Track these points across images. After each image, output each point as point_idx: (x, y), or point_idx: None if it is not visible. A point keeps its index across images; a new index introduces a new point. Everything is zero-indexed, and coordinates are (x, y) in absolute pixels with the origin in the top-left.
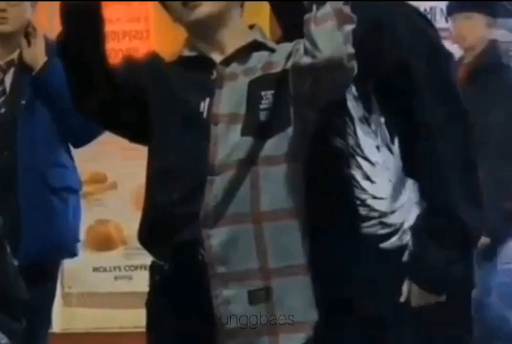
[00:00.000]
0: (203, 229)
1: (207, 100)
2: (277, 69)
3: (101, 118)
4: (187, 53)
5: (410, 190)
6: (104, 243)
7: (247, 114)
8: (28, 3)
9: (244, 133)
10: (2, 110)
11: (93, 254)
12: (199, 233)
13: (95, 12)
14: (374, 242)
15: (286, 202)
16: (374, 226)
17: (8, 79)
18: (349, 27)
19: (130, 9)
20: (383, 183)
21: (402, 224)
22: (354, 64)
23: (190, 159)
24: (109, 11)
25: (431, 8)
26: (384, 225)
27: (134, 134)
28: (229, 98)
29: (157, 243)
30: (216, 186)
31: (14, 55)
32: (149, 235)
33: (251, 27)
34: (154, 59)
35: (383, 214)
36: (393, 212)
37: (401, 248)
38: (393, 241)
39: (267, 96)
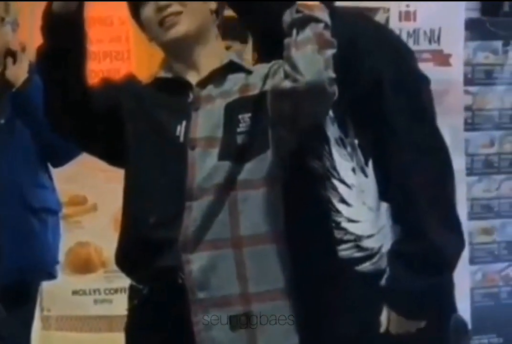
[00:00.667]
0: (183, 254)
1: (184, 123)
2: (254, 91)
3: (76, 137)
4: (163, 74)
5: (386, 215)
6: (84, 265)
7: (224, 138)
8: (8, 27)
9: (221, 157)
10: None
11: (73, 276)
12: (179, 258)
13: (78, 24)
14: (350, 265)
15: (265, 226)
16: (350, 249)
17: None
18: (330, 52)
19: (111, 30)
20: (359, 206)
21: (379, 248)
22: (335, 88)
23: (167, 183)
24: (90, 32)
25: (414, 30)
26: (360, 248)
27: (112, 156)
28: (205, 122)
29: (135, 267)
30: (195, 211)
31: None
32: (127, 259)
33: (228, 48)
34: (130, 81)
35: (359, 238)
36: (369, 236)
37: (379, 272)
38: (368, 265)
39: (245, 119)
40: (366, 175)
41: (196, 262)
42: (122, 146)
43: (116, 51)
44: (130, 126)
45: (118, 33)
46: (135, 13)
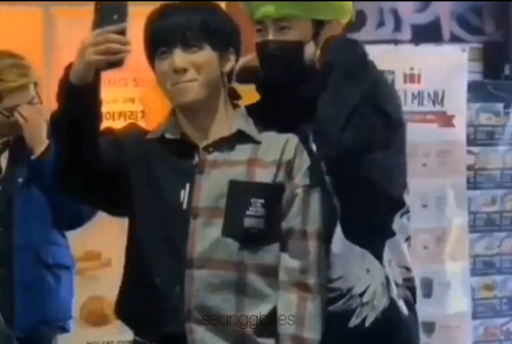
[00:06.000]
0: (186, 322)
1: (187, 186)
2: (263, 170)
3: (82, 193)
4: (169, 135)
5: (356, 258)
6: (98, 319)
7: (229, 215)
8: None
9: (226, 234)
10: None
11: (87, 329)
12: (182, 326)
13: (94, 95)
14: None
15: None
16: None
17: (4, 159)
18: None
19: (125, 91)
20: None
21: (349, 290)
22: None
23: (168, 249)
24: (105, 92)
25: (419, 92)
26: (330, 289)
27: (114, 207)
28: (209, 190)
29: (140, 326)
30: (197, 282)
31: (10, 136)
32: (131, 316)
33: (235, 105)
34: (134, 133)
35: (330, 281)
36: (339, 278)
37: (349, 312)
38: (339, 305)
39: (256, 204)
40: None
41: (199, 332)
42: (126, 198)
43: (130, 111)
44: (134, 182)
45: (132, 94)
46: (151, 59)
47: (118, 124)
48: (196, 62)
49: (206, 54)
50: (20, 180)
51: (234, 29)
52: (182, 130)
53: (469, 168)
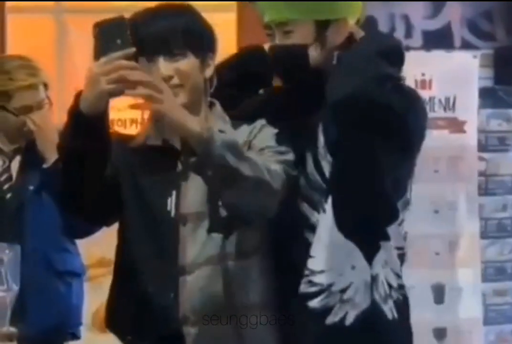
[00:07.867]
0: (184, 326)
1: (174, 194)
2: None
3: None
4: (152, 141)
5: (344, 254)
6: None
7: (209, 211)
8: (41, 88)
9: (210, 230)
10: (8, 195)
11: (99, 336)
12: (180, 331)
13: (105, 125)
14: (303, 300)
15: (259, 297)
16: (304, 284)
17: (15, 166)
18: None
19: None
20: (316, 242)
21: (330, 285)
22: None
23: (160, 257)
24: (117, 99)
25: (430, 98)
26: (312, 283)
27: (112, 221)
28: (194, 195)
29: (135, 334)
30: (191, 285)
31: (21, 143)
32: (125, 325)
33: (211, 104)
34: (118, 144)
35: (312, 272)
36: (321, 272)
37: (327, 310)
38: (318, 301)
39: None
40: (324, 211)
41: (196, 334)
42: (118, 208)
43: (142, 118)
44: (122, 191)
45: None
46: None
47: (130, 132)
48: (181, 70)
49: (189, 61)
50: (31, 187)
51: (212, 33)
52: (164, 136)
53: (480, 174)
